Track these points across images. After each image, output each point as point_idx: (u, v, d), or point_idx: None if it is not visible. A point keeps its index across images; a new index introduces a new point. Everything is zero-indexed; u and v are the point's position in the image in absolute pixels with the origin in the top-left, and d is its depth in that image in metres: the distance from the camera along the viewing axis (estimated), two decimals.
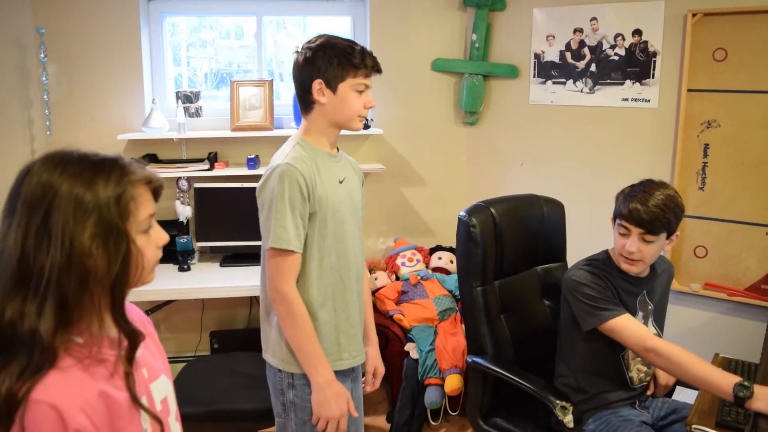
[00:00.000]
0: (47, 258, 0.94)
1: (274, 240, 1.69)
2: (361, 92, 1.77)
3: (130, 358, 1.03)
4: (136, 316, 1.21)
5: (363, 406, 2.07)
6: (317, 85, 1.74)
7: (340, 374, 1.84)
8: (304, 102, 1.80)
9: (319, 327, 1.78)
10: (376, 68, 1.79)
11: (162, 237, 1.08)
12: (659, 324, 2.19)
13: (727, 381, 1.72)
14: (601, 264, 2.08)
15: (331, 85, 1.74)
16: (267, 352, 1.86)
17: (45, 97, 3.17)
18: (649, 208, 1.93)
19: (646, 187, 1.99)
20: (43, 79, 3.13)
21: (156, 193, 1.08)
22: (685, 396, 2.23)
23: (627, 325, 1.94)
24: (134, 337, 1.03)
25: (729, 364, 2.08)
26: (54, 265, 0.94)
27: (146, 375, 1.12)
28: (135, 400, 1.02)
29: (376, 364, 2.05)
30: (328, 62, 1.73)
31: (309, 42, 1.78)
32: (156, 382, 1.14)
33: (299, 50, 1.79)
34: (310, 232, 1.75)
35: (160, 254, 1.09)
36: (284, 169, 1.69)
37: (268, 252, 1.72)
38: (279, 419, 1.86)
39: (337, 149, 1.89)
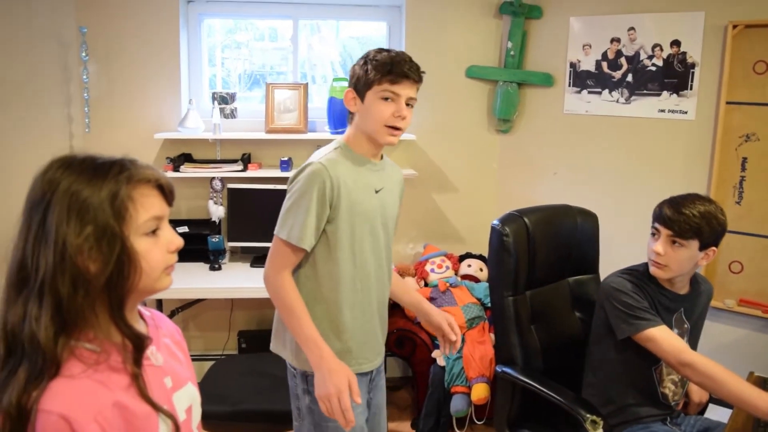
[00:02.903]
0: (43, 258, 0.92)
1: (288, 234, 1.69)
2: (387, 100, 1.71)
3: (136, 360, 1.00)
4: (164, 324, 1.19)
5: (387, 412, 2.05)
6: (350, 94, 1.77)
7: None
8: (349, 110, 1.82)
9: (343, 328, 1.78)
10: (404, 75, 1.69)
11: (173, 241, 1.04)
12: (693, 344, 2.15)
13: (763, 400, 1.69)
14: (641, 275, 2.05)
15: (361, 94, 1.75)
16: (278, 344, 1.85)
17: (85, 94, 3.24)
18: (680, 211, 1.92)
19: (688, 196, 1.97)
20: (84, 77, 3.20)
21: (167, 195, 1.04)
22: (718, 414, 2.19)
23: (664, 337, 1.91)
24: (138, 341, 1.00)
25: (764, 383, 2.04)
26: (48, 265, 0.92)
27: (169, 384, 1.09)
28: (147, 400, 0.99)
29: (444, 315, 1.96)
30: (360, 72, 1.74)
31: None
32: (180, 391, 1.11)
33: None
34: (340, 236, 1.74)
35: (173, 259, 1.05)
36: (316, 168, 1.70)
37: (278, 240, 1.72)
38: (296, 423, 1.86)
39: (381, 157, 1.88)
